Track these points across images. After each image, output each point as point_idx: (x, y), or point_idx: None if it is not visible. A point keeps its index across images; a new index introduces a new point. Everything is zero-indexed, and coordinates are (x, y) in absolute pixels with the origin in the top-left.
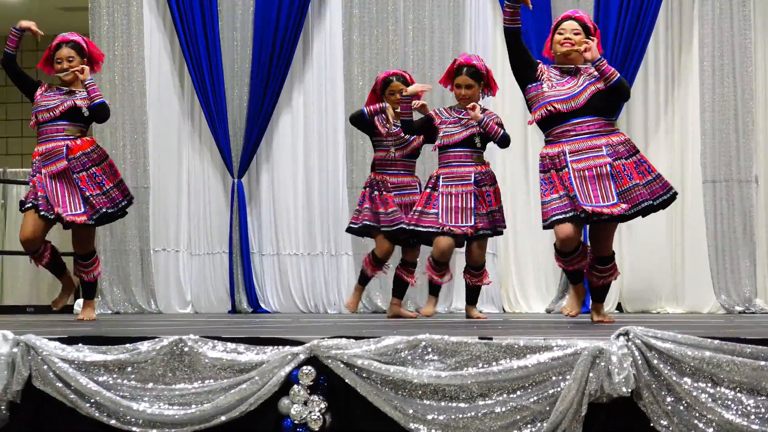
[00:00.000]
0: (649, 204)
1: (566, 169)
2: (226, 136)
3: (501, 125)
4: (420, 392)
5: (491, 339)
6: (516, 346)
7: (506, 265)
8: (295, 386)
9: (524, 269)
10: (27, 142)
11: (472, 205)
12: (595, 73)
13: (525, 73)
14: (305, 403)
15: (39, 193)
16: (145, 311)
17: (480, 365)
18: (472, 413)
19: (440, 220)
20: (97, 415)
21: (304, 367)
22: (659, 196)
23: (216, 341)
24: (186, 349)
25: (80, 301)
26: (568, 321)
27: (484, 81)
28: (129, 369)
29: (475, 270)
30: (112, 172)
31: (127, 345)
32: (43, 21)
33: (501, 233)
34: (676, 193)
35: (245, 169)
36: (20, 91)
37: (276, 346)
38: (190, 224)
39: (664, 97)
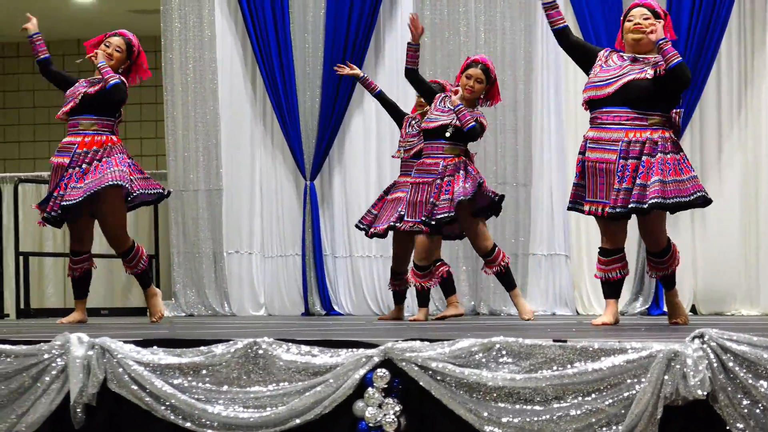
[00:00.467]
0: (635, 206)
1: (579, 156)
2: (298, 139)
3: (477, 120)
4: (494, 395)
5: (566, 341)
6: (590, 349)
7: (579, 267)
8: (370, 389)
9: None
10: None
11: (431, 198)
12: (653, 60)
13: (586, 67)
14: (380, 406)
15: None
16: (219, 314)
17: (554, 368)
18: (547, 416)
19: (406, 216)
20: (172, 417)
21: (379, 370)
22: (653, 199)
23: (290, 344)
24: (260, 351)
25: None
26: (643, 323)
27: (490, 85)
28: (204, 371)
29: (486, 257)
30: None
31: (202, 348)
32: (114, 24)
33: (489, 206)
34: (694, 201)
35: (317, 171)
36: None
37: (350, 349)
38: (263, 226)
39: (737, 98)
